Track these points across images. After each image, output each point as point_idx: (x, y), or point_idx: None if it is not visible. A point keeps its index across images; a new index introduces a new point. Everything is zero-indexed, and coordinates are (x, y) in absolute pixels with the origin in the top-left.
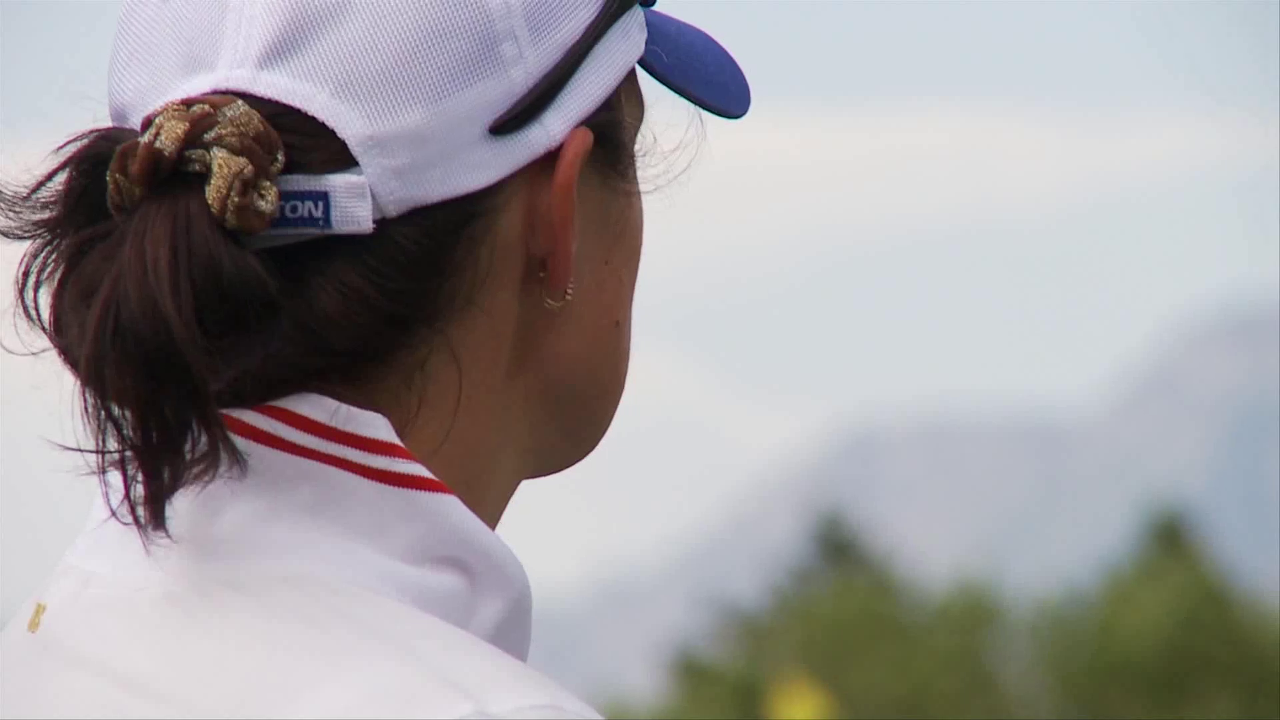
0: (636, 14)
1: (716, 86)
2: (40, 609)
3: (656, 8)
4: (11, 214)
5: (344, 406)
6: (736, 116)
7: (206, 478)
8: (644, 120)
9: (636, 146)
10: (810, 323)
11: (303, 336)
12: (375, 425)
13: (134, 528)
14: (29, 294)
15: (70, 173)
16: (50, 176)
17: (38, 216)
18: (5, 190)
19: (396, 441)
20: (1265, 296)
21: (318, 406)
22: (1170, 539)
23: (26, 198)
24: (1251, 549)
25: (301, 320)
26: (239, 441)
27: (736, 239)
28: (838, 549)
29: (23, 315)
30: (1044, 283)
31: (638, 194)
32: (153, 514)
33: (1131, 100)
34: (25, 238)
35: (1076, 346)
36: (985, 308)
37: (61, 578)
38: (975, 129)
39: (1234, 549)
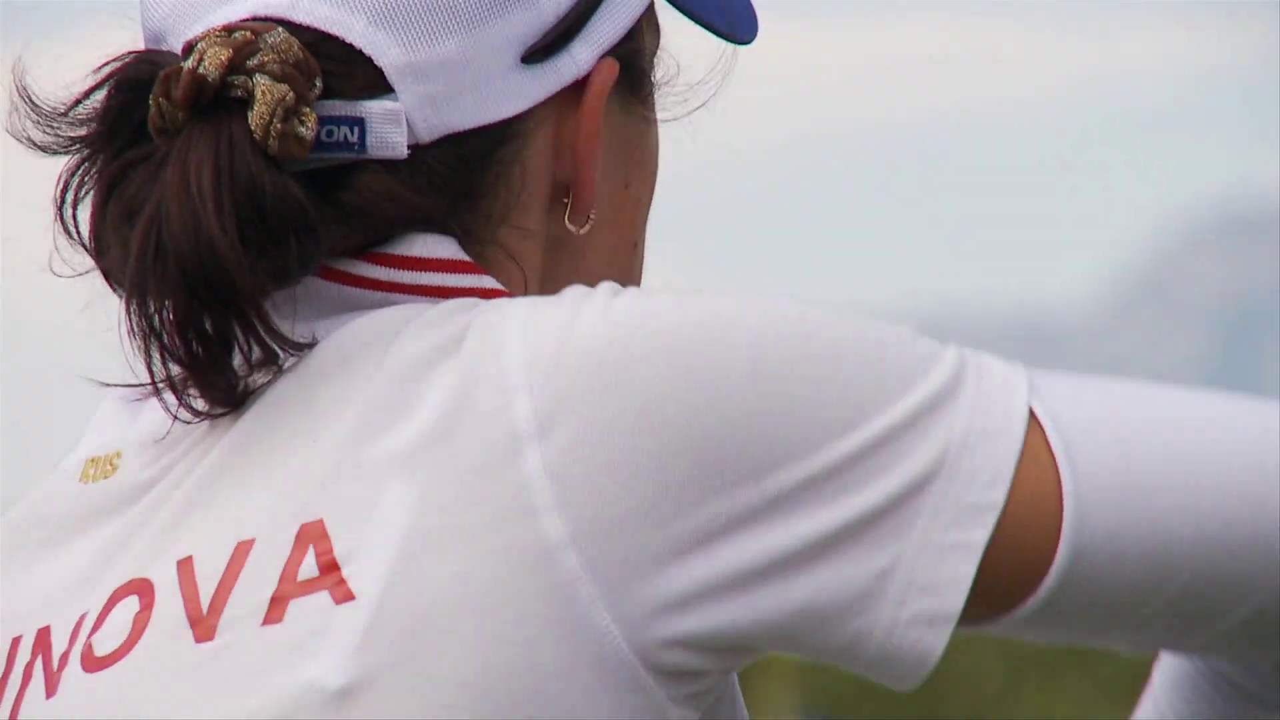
0: None
1: (724, 14)
2: (108, 459)
3: None
4: (48, 128)
5: (421, 236)
6: (744, 43)
7: (269, 378)
8: (660, 48)
9: (656, 74)
10: (800, 225)
11: (352, 222)
12: (445, 246)
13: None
14: (68, 211)
15: (109, 92)
16: (88, 94)
17: (74, 132)
18: (43, 105)
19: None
20: (1261, 199)
21: (410, 244)
22: None
23: (64, 113)
24: None
25: (348, 208)
26: (342, 290)
27: (725, 145)
28: None
29: (62, 233)
30: (1039, 185)
31: (655, 121)
32: (228, 406)
33: (1131, 2)
34: (60, 152)
35: (1071, 248)
36: (979, 210)
37: (125, 431)
38: (969, 33)
39: None
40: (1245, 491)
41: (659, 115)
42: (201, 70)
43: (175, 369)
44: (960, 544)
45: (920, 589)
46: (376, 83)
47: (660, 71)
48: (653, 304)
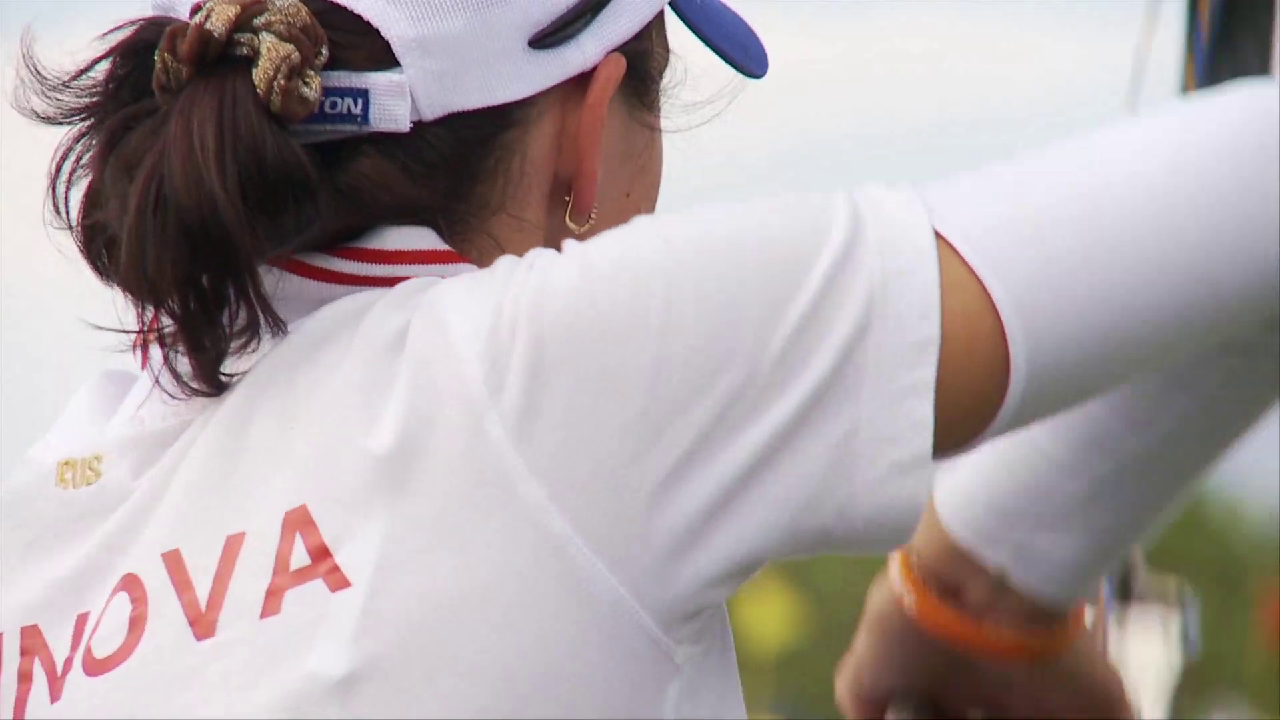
0: None
1: (739, 45)
2: (86, 464)
3: None
4: (51, 98)
5: (396, 229)
6: (756, 76)
7: (251, 347)
8: (669, 64)
9: (663, 83)
10: None
11: (343, 205)
12: (425, 238)
13: (180, 396)
14: (62, 184)
15: (114, 60)
16: (95, 63)
17: (78, 102)
18: (47, 75)
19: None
20: None
21: (384, 238)
22: None
23: (68, 83)
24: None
25: (342, 188)
26: (312, 285)
27: (722, 142)
28: None
29: (52, 207)
30: None
31: (659, 130)
32: (209, 383)
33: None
34: (63, 123)
35: None
36: None
37: (101, 432)
38: (964, 34)
39: None
40: (1162, 225)
41: (664, 125)
42: (208, 26)
43: (167, 323)
44: (911, 386)
45: (886, 441)
46: (383, 55)
47: (667, 78)
48: (570, 259)
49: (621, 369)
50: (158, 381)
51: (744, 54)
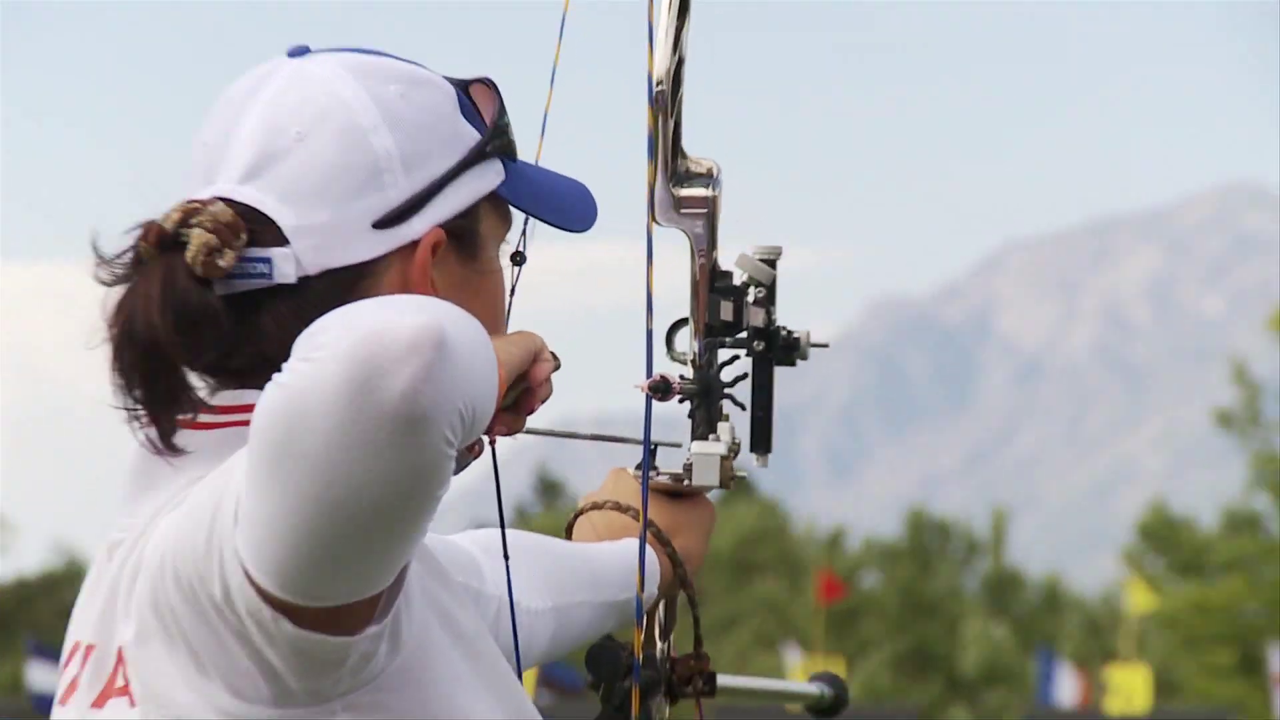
0: (495, 164)
1: (559, 211)
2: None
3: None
4: (107, 270)
5: (246, 391)
6: (576, 231)
7: (188, 419)
8: (509, 226)
9: (505, 242)
10: None
11: (252, 353)
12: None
13: (156, 455)
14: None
15: (137, 244)
16: (126, 250)
17: (119, 272)
18: (105, 256)
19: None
20: None
21: (223, 399)
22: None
23: (109, 260)
24: (791, 494)
25: (250, 339)
26: (197, 435)
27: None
28: None
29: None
30: None
31: (495, 270)
32: (167, 445)
33: None
34: (112, 284)
35: None
36: None
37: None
38: None
39: (779, 493)
40: (299, 465)
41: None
42: (163, 224)
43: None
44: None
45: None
46: (279, 237)
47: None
48: (159, 541)
49: (173, 600)
50: (142, 443)
51: (564, 218)
